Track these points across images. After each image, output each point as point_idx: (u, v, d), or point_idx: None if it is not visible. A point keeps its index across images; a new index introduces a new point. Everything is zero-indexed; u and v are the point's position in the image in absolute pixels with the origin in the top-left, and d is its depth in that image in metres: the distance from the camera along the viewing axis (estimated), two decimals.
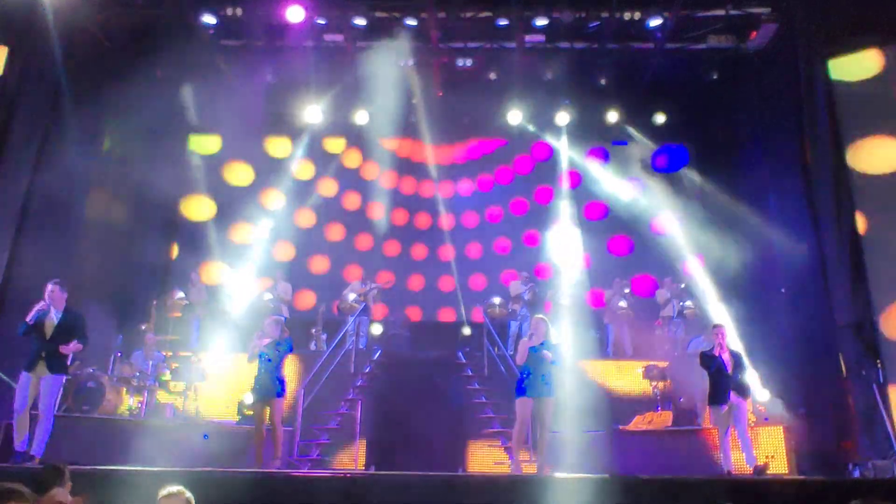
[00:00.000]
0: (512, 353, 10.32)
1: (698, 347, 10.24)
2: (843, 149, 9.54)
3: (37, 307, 7.43)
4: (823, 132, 9.58)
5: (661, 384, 10.04)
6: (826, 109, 9.64)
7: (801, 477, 7.12)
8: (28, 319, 7.39)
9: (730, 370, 7.79)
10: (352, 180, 14.50)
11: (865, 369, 8.75)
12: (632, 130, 13.50)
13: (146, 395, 9.63)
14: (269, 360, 8.32)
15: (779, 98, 10.77)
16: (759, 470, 7.33)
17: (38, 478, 4.41)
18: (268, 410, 8.29)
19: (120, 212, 11.30)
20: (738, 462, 7.78)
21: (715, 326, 8.27)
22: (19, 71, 9.75)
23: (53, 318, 7.46)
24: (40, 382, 7.35)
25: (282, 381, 8.41)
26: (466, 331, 11.28)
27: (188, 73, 11.99)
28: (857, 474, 7.93)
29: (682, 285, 12.02)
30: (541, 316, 8.44)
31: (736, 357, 8.03)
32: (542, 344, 8.02)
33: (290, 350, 8.68)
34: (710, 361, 7.87)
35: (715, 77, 12.21)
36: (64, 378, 7.58)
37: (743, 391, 7.89)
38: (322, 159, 14.40)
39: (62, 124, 9.94)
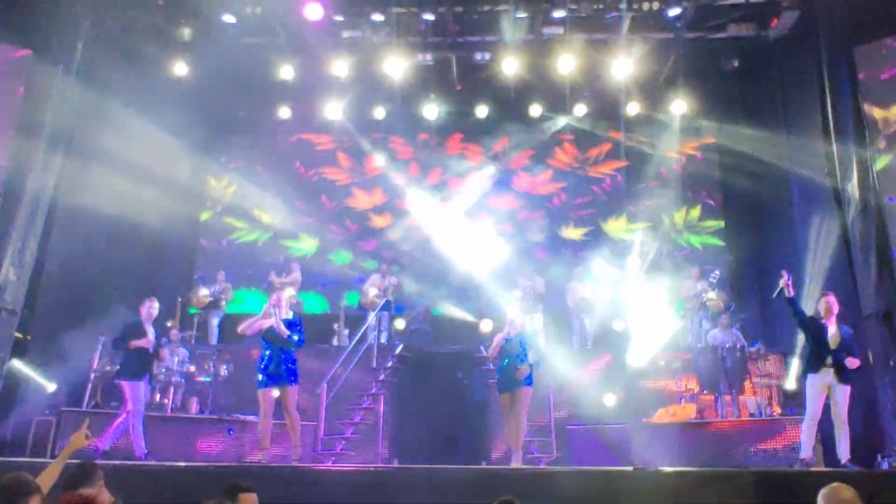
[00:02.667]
0: None
1: (716, 339, 10.18)
2: (867, 136, 9.40)
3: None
4: (847, 120, 9.44)
5: (684, 376, 10.00)
6: (850, 97, 9.49)
7: (829, 469, 7.04)
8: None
9: (832, 343, 7.22)
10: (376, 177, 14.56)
11: (893, 359, 8.63)
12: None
13: (172, 390, 9.79)
14: (275, 342, 7.69)
15: (802, 86, 10.60)
16: (847, 466, 6.92)
17: (68, 476, 4.44)
18: (279, 398, 7.69)
19: (146, 210, 11.45)
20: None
21: (825, 293, 7.60)
22: (45, 74, 9.93)
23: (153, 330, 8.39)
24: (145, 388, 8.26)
25: (293, 366, 7.75)
26: (486, 324, 11.27)
27: (208, 73, 12.10)
28: (885, 466, 7.84)
29: (716, 279, 11.85)
30: (514, 316, 8.52)
31: (845, 334, 7.37)
32: (517, 335, 8.16)
33: (300, 330, 7.89)
34: (812, 325, 7.35)
35: (736, 66, 12.05)
36: None
37: (844, 374, 7.25)
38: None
39: (88, 125, 10.09)
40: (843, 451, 7.08)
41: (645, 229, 13.67)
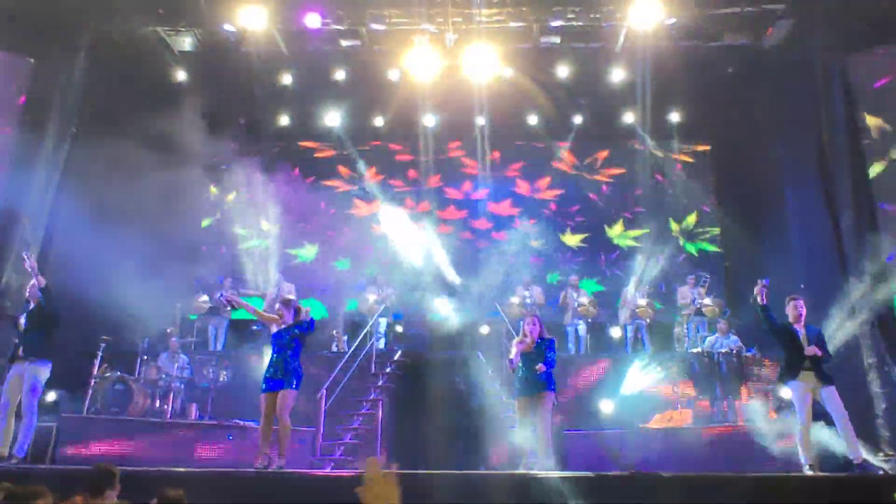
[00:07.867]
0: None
1: (713, 345, 10.24)
2: (861, 142, 9.51)
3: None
4: (841, 127, 9.55)
5: (680, 382, 10.05)
6: (843, 104, 9.60)
7: (825, 473, 7.08)
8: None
9: (806, 346, 7.16)
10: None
11: (887, 364, 8.70)
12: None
13: (171, 396, 9.83)
14: (281, 347, 7.34)
15: (796, 93, 10.72)
16: (863, 467, 6.79)
17: (90, 480, 4.44)
18: (275, 401, 7.15)
19: (146, 216, 11.50)
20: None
21: (793, 298, 7.53)
22: (45, 82, 10.01)
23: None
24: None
25: (296, 371, 7.26)
26: (485, 330, 11.33)
27: (209, 81, 12.20)
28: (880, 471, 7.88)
29: (706, 283, 11.95)
30: (533, 316, 8.03)
31: (816, 335, 7.35)
32: (536, 343, 7.69)
33: (307, 331, 7.50)
34: (784, 331, 7.30)
35: (731, 73, 12.16)
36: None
37: (825, 375, 7.15)
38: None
39: (88, 134, 10.15)
40: (855, 453, 6.89)
41: (643, 237, 13.77)
